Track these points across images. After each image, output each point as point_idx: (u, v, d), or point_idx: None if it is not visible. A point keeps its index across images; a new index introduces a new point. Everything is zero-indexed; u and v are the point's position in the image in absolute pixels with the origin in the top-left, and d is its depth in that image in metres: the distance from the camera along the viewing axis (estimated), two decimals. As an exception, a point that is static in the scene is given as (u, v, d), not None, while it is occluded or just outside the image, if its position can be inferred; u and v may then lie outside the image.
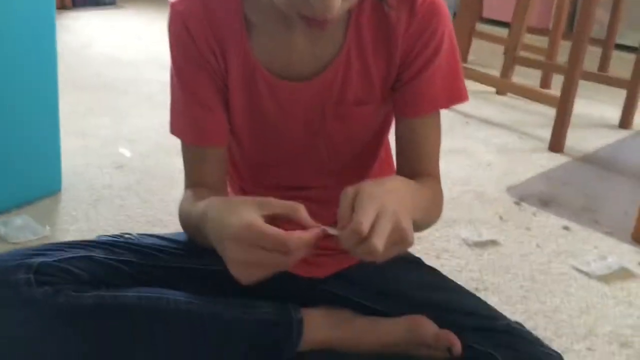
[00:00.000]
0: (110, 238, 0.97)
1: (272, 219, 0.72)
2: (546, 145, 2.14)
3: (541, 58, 2.84)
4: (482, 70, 2.65)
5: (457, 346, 0.89)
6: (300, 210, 0.73)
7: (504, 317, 0.96)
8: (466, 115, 2.36)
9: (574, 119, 2.14)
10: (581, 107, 2.30)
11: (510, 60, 2.63)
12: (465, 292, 1.03)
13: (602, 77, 2.72)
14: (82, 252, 0.90)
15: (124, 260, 0.92)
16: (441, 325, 0.93)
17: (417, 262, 1.08)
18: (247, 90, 0.91)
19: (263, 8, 0.87)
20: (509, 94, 2.67)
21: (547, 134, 2.16)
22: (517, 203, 1.71)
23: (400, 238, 0.72)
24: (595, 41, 2.76)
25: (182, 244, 0.99)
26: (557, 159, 2.05)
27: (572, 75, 2.08)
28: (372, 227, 0.69)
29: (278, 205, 0.73)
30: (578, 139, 2.21)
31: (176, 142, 0.96)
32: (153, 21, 3.55)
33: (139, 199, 1.55)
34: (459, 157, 1.98)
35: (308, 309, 0.95)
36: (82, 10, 3.64)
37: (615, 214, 1.69)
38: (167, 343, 0.87)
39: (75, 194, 1.55)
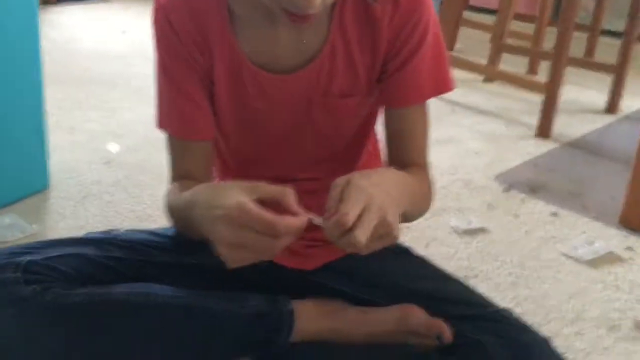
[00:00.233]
0: (99, 235, 0.97)
1: (261, 205, 0.71)
2: (533, 131, 2.15)
3: (528, 45, 2.85)
4: (469, 58, 2.65)
5: (447, 334, 0.90)
6: (290, 195, 0.72)
7: (493, 305, 0.97)
8: (453, 103, 2.37)
9: (561, 105, 2.14)
10: (568, 93, 2.31)
11: (497, 48, 2.64)
12: (454, 280, 1.04)
13: (588, 62, 2.73)
14: (70, 250, 0.89)
15: (112, 257, 0.92)
16: (431, 313, 0.94)
17: (406, 252, 1.08)
18: (232, 83, 0.91)
19: (247, 0, 0.86)
20: (496, 81, 2.67)
21: (534, 120, 2.16)
22: (505, 190, 1.71)
23: (385, 232, 0.72)
24: (581, 27, 2.78)
25: (170, 238, 0.99)
26: (545, 146, 2.06)
27: (559, 61, 2.09)
28: (358, 219, 0.69)
29: (268, 189, 0.73)
30: (565, 125, 2.22)
31: (164, 136, 0.96)
32: (139, 14, 3.52)
33: (128, 195, 1.55)
34: (447, 146, 1.99)
35: (298, 300, 0.95)
36: (66, 5, 3.60)
37: (602, 199, 1.70)
38: (157, 338, 0.87)
39: (63, 190, 1.54)
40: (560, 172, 1.87)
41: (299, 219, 0.70)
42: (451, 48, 2.99)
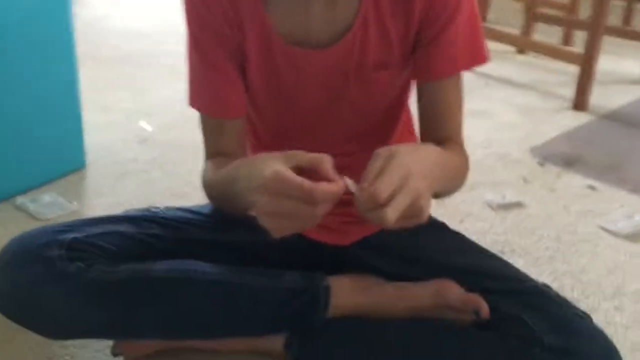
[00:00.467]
0: (138, 212, 0.98)
1: (299, 173, 0.70)
2: (569, 104, 2.10)
3: (563, 14, 2.77)
4: (502, 28, 2.59)
5: (485, 309, 0.90)
6: (327, 162, 0.71)
7: (531, 279, 0.96)
8: (486, 76, 2.33)
9: (597, 76, 2.09)
10: (604, 63, 2.25)
11: (531, 17, 2.57)
12: (491, 255, 1.03)
13: (625, 31, 2.65)
14: (111, 227, 0.91)
15: (151, 234, 0.94)
16: (468, 288, 0.93)
17: (442, 227, 1.08)
18: (265, 59, 0.91)
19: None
20: (529, 52, 2.61)
21: (570, 92, 2.12)
22: (541, 164, 1.69)
23: (414, 214, 0.71)
24: (618, -6, 2.69)
25: (208, 216, 1.00)
26: (581, 118, 2.02)
27: (596, 30, 2.03)
28: (391, 196, 0.68)
29: (305, 156, 0.72)
30: (602, 97, 2.16)
31: (198, 114, 0.96)
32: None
33: (163, 172, 1.57)
34: (480, 119, 1.96)
35: (335, 276, 0.96)
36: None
37: (641, 172, 1.67)
38: (197, 314, 0.89)
39: (100, 169, 1.56)
40: (596, 145, 1.83)
41: (336, 185, 0.69)
42: (483, 18, 2.92)
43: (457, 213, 1.43)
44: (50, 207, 1.37)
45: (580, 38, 2.26)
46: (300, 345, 0.94)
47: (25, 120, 1.40)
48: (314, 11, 0.87)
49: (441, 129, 0.94)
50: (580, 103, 2.07)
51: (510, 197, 1.49)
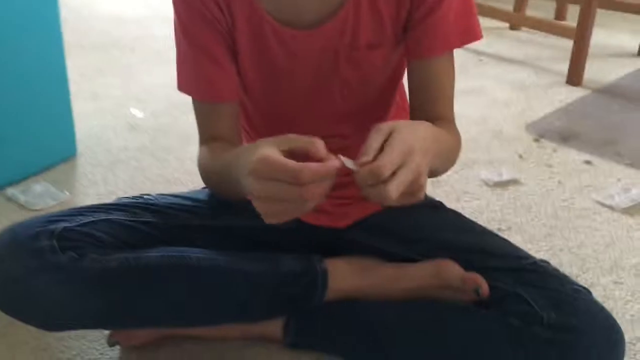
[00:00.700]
0: (130, 200, 0.97)
1: (293, 157, 0.68)
2: (564, 78, 2.09)
3: (555, -12, 2.75)
4: (494, 4, 2.57)
5: (485, 288, 0.89)
6: (318, 143, 0.68)
7: (529, 256, 0.95)
8: (479, 52, 2.31)
9: (591, 50, 2.07)
10: (597, 36, 2.22)
11: (523, -7, 2.54)
12: (488, 233, 1.02)
13: (619, 3, 2.62)
14: (103, 216, 0.90)
15: (144, 222, 0.92)
16: (466, 267, 0.92)
17: (439, 206, 1.07)
18: (255, 41, 0.89)
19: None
20: (522, 28, 2.59)
21: (564, 67, 2.10)
22: (536, 140, 1.68)
23: (412, 192, 0.69)
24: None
25: (202, 202, 0.98)
26: (576, 93, 2.00)
27: (589, 3, 2.00)
28: (393, 173, 0.67)
29: (295, 139, 0.70)
30: (596, 71, 2.15)
31: (188, 99, 0.94)
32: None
33: (155, 159, 1.55)
34: (474, 97, 1.95)
35: (332, 259, 0.95)
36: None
37: (637, 145, 1.65)
38: (193, 301, 0.87)
39: (91, 157, 1.55)
40: (592, 119, 1.82)
41: (325, 165, 0.66)
42: (475, -5, 2.89)
43: (453, 191, 1.42)
44: (42, 197, 1.36)
45: (573, 13, 2.24)
46: (298, 329, 0.94)
47: (14, 110, 1.37)
48: (302, -9, 0.85)
49: (433, 108, 0.93)
50: (574, 78, 2.06)
51: (506, 174, 1.48)
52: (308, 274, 0.92)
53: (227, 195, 0.85)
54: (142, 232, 0.91)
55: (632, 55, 2.38)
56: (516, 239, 1.19)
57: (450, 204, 1.08)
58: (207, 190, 1.01)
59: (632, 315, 1.06)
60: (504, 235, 1.08)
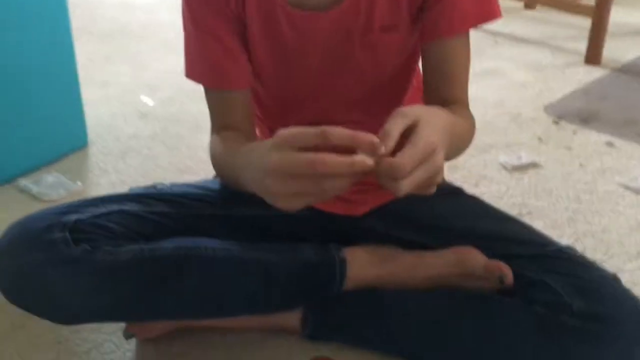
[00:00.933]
0: (143, 190, 0.95)
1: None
2: (582, 58, 2.04)
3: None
4: (509, -16, 2.52)
5: (509, 276, 0.86)
6: (331, 130, 0.61)
7: (554, 242, 0.92)
8: (494, 33, 2.26)
9: (610, 28, 2.02)
10: (616, 14, 2.17)
11: (538, -30, 2.49)
12: (510, 218, 1.00)
13: (638, -20, 2.56)
14: (116, 207, 0.88)
15: (157, 212, 0.90)
16: (489, 255, 0.90)
17: (459, 192, 1.04)
18: (266, 25, 0.86)
19: None
20: (538, 7, 2.54)
21: (582, 46, 2.05)
22: (555, 122, 1.64)
23: (425, 187, 0.66)
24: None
25: (215, 191, 0.96)
26: (595, 72, 1.96)
27: (608, -20, 1.95)
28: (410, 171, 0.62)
29: (304, 134, 0.63)
30: (616, 49, 2.10)
31: (198, 87, 0.92)
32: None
33: (166, 147, 1.53)
34: (491, 79, 1.90)
35: (350, 247, 0.93)
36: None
37: (660, 126, 1.61)
38: (208, 293, 0.85)
39: (102, 146, 1.53)
40: (612, 100, 1.78)
41: (350, 131, 0.61)
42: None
43: (471, 177, 1.39)
44: (54, 187, 1.34)
45: (590, -11, 2.18)
46: (316, 319, 0.92)
47: (23, 99, 1.36)
48: (315, -30, 0.82)
49: (448, 91, 0.90)
50: (593, 57, 2.01)
51: (526, 158, 1.45)
52: (326, 263, 0.90)
53: (238, 189, 0.83)
54: (155, 222, 0.89)
55: (652, 33, 2.32)
56: (537, 225, 1.16)
57: (468, 189, 1.06)
58: (219, 179, 0.99)
59: (659, 302, 1.03)
60: (525, 220, 1.04)
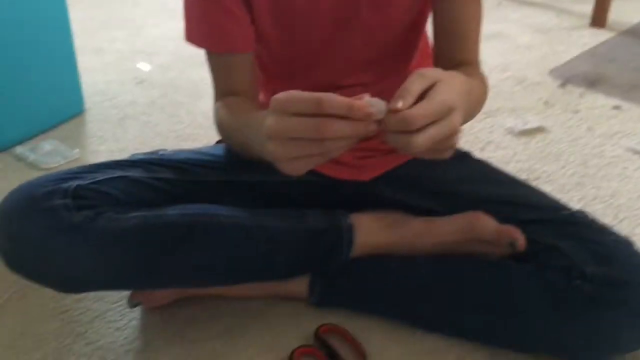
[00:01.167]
0: (145, 156, 0.92)
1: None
2: (587, 21, 2.00)
3: None
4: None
5: (521, 241, 0.84)
6: (330, 95, 0.58)
7: (566, 207, 0.91)
8: (498, -5, 2.21)
9: (616, -10, 1.98)
10: (623, -25, 2.13)
11: None
12: (521, 183, 0.98)
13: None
14: (118, 173, 0.85)
15: (161, 178, 0.88)
16: (500, 220, 0.88)
17: (467, 156, 1.02)
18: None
19: None
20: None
21: (587, 8, 2.01)
22: (561, 85, 1.61)
23: (440, 150, 0.64)
24: None
25: (219, 157, 0.93)
26: (601, 35, 1.92)
27: (616, -60, 1.90)
28: (426, 126, 0.59)
29: (304, 99, 0.60)
30: (621, 12, 2.05)
31: (197, 52, 0.89)
32: None
33: (165, 114, 1.50)
34: (495, 42, 1.87)
35: (358, 214, 0.91)
36: None
37: (667, 89, 1.59)
38: (214, 258, 0.83)
39: (99, 113, 1.50)
40: (619, 62, 1.74)
41: (346, 99, 0.58)
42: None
43: (477, 141, 1.36)
44: (52, 155, 1.32)
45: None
46: (323, 286, 0.91)
47: (18, 67, 1.32)
48: None
49: (460, 52, 0.87)
50: (598, 19, 1.97)
51: (532, 122, 1.42)
52: (333, 229, 0.88)
53: (250, 155, 0.80)
54: (158, 189, 0.87)
55: (658, -5, 2.27)
56: (546, 189, 1.12)
57: (474, 153, 1.03)
58: (223, 144, 0.97)
59: (670, 266, 1.01)
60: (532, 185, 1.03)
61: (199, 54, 0.89)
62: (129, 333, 0.89)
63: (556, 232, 0.85)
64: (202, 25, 0.86)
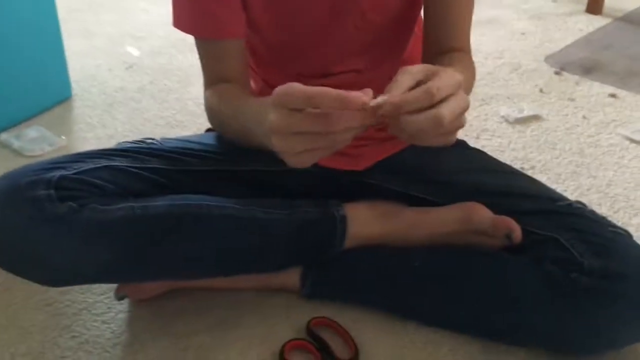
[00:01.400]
0: (132, 144, 0.89)
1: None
2: (583, 6, 1.98)
3: None
4: None
5: (517, 232, 0.83)
6: (331, 90, 0.58)
7: (563, 197, 0.89)
8: (493, -19, 2.18)
9: (612, -24, 1.96)
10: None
11: None
12: (517, 173, 0.96)
13: None
14: (104, 162, 0.82)
15: (149, 168, 0.85)
16: (496, 211, 0.86)
17: (463, 145, 1.00)
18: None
19: None
20: (538, -47, 2.45)
21: (583, -6, 1.99)
22: (557, 73, 1.59)
23: (446, 134, 0.63)
24: None
25: (210, 146, 0.91)
26: (597, 21, 1.90)
27: None
28: (444, 99, 0.59)
29: (304, 95, 0.60)
30: (617, -1, 2.04)
31: (187, 37, 0.86)
32: None
33: (154, 100, 1.47)
34: (490, 28, 1.84)
35: (351, 204, 0.89)
36: None
37: (664, 77, 1.57)
38: (203, 250, 0.81)
39: (87, 99, 1.46)
40: (615, 50, 1.73)
41: (347, 93, 0.58)
42: None
43: (472, 130, 1.34)
44: (38, 142, 1.28)
45: None
46: (316, 278, 0.89)
47: (2, 51, 1.28)
48: None
49: (451, 38, 0.85)
50: (594, 6, 1.95)
51: (527, 110, 1.40)
52: (326, 220, 0.86)
53: (247, 143, 0.78)
54: (146, 179, 0.84)
55: (654, -19, 2.25)
56: (541, 179, 1.12)
57: (469, 142, 1.02)
58: (214, 133, 0.94)
59: (666, 257, 1.00)
60: (528, 174, 1.01)
61: (190, 40, 0.87)
62: (116, 326, 0.87)
63: (553, 224, 0.83)
64: (190, 9, 0.84)
